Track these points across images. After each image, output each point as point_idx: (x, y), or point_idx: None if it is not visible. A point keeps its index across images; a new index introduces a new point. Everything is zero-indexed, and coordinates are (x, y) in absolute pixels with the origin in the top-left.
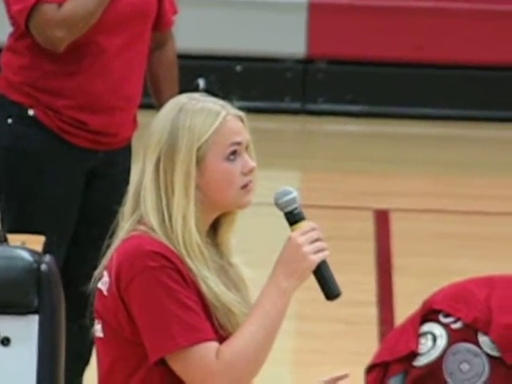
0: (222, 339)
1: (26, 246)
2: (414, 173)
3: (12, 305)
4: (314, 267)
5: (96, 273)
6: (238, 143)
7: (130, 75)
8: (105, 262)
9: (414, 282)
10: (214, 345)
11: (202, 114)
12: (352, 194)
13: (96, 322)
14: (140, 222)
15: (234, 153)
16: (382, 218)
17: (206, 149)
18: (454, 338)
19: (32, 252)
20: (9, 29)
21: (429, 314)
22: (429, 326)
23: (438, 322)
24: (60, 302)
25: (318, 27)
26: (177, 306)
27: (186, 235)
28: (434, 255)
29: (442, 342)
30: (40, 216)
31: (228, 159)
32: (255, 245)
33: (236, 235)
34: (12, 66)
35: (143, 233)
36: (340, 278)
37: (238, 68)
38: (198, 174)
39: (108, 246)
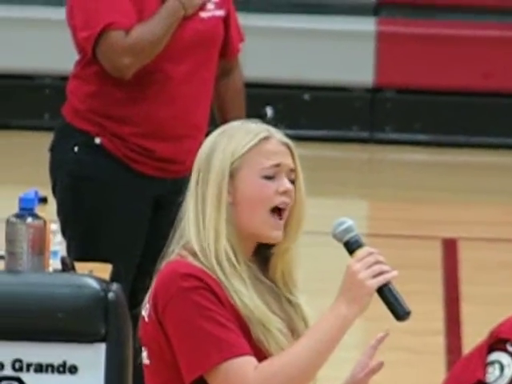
0: (262, 356)
1: (94, 275)
2: (484, 202)
3: (79, 333)
4: (372, 292)
5: (145, 301)
6: (277, 164)
7: (197, 102)
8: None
9: (482, 311)
10: (250, 359)
11: (241, 133)
12: (420, 222)
13: (143, 349)
14: (185, 247)
15: (272, 172)
16: (450, 247)
17: (240, 164)
18: None
19: (99, 280)
20: (75, 56)
21: (496, 343)
22: (496, 355)
23: (506, 351)
24: (127, 330)
25: (386, 56)
26: (210, 323)
27: (217, 247)
28: (502, 284)
29: (509, 371)
30: (107, 244)
31: (264, 177)
32: (325, 274)
33: (305, 264)
34: (78, 94)
35: (182, 258)
36: None
37: (306, 97)
38: (231, 190)
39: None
